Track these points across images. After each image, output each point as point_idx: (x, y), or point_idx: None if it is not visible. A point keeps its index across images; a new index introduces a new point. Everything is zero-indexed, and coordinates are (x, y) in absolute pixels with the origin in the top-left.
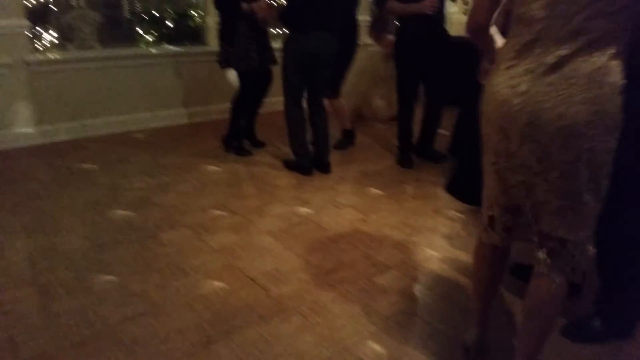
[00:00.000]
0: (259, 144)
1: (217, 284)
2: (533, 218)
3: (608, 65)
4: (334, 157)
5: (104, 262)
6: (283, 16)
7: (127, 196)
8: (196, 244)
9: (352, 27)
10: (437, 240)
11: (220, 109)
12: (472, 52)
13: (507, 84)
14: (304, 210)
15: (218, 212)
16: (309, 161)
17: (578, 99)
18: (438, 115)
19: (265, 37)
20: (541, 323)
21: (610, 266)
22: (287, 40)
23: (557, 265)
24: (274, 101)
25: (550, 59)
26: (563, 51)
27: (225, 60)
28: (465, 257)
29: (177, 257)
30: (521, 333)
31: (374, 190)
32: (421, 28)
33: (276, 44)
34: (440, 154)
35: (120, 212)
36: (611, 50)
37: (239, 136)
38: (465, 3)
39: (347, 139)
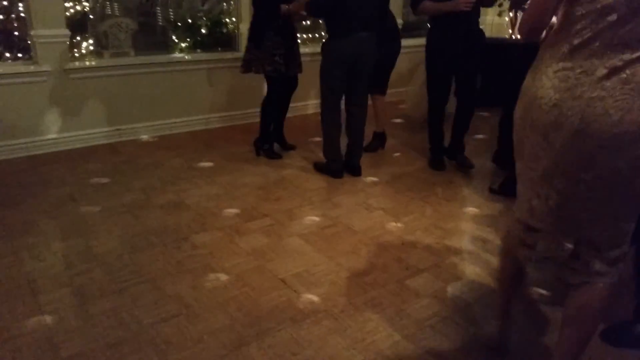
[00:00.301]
0: (289, 147)
1: (249, 285)
2: (564, 229)
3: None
4: (364, 159)
5: (137, 264)
6: (312, 8)
7: (161, 199)
8: (228, 246)
9: (392, 25)
10: (470, 243)
11: (251, 114)
12: (515, 54)
13: (558, 86)
14: (334, 212)
15: (249, 215)
16: (340, 164)
17: (637, 106)
18: (469, 117)
19: (294, 43)
20: (581, 330)
21: None
22: (327, 43)
23: (593, 270)
24: (305, 105)
25: (614, 62)
26: (629, 55)
27: (247, 63)
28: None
29: (209, 259)
30: (560, 339)
31: (405, 193)
32: (454, 27)
33: (307, 49)
34: (469, 162)
35: (154, 215)
36: None
37: (270, 140)
38: (500, 5)
39: (378, 142)
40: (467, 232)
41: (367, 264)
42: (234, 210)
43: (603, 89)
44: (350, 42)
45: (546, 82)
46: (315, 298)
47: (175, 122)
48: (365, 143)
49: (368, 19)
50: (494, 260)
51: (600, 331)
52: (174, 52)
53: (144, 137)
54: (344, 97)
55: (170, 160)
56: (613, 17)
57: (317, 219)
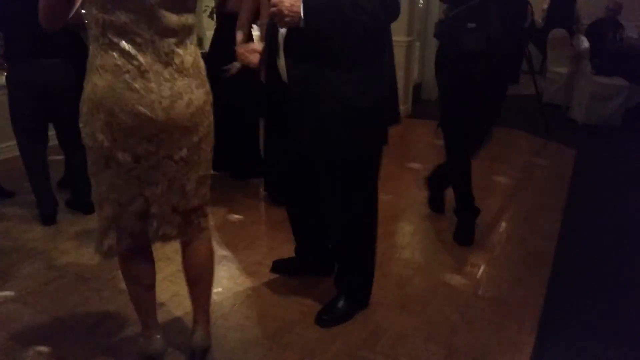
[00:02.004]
0: (7, 194)
1: None
2: (170, 205)
3: (198, 53)
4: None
5: None
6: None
7: None
8: None
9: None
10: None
11: None
12: None
13: (129, 87)
14: (62, 261)
15: None
16: (50, 207)
17: (194, 86)
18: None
19: None
20: (207, 279)
21: (341, 247)
22: (7, 72)
23: (197, 229)
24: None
25: (158, 56)
26: (166, 48)
27: None
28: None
29: None
30: (197, 294)
31: None
32: None
33: None
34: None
35: None
36: (194, 39)
37: None
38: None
39: None
40: None
41: (99, 314)
42: None
43: (166, 80)
44: (30, 69)
45: (118, 85)
46: None
47: None
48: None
49: (53, 38)
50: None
51: (315, 317)
52: None
53: None
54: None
55: None
56: (134, 19)
57: (39, 273)
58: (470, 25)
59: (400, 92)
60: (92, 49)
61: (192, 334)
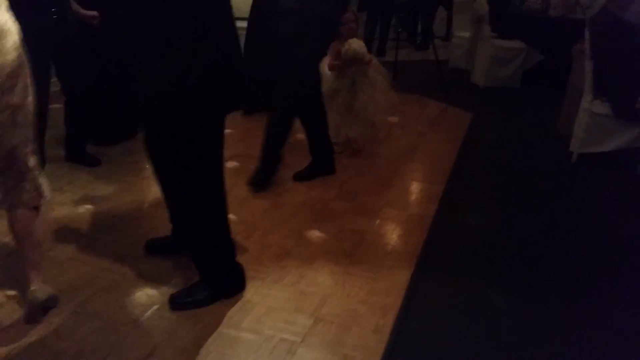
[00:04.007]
0: None
1: None
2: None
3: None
4: None
5: None
6: None
7: None
8: None
9: None
10: None
11: None
12: None
13: None
14: None
15: None
16: None
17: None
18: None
19: None
20: (34, 240)
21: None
22: None
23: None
24: None
25: None
26: None
27: None
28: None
29: None
30: (26, 254)
31: None
32: None
33: None
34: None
35: None
36: None
37: None
38: None
39: None
40: None
41: None
42: None
43: None
44: None
45: None
46: None
47: None
48: None
49: None
50: None
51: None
52: None
53: None
54: None
55: None
56: None
57: None
58: None
59: None
60: None
61: (29, 292)
